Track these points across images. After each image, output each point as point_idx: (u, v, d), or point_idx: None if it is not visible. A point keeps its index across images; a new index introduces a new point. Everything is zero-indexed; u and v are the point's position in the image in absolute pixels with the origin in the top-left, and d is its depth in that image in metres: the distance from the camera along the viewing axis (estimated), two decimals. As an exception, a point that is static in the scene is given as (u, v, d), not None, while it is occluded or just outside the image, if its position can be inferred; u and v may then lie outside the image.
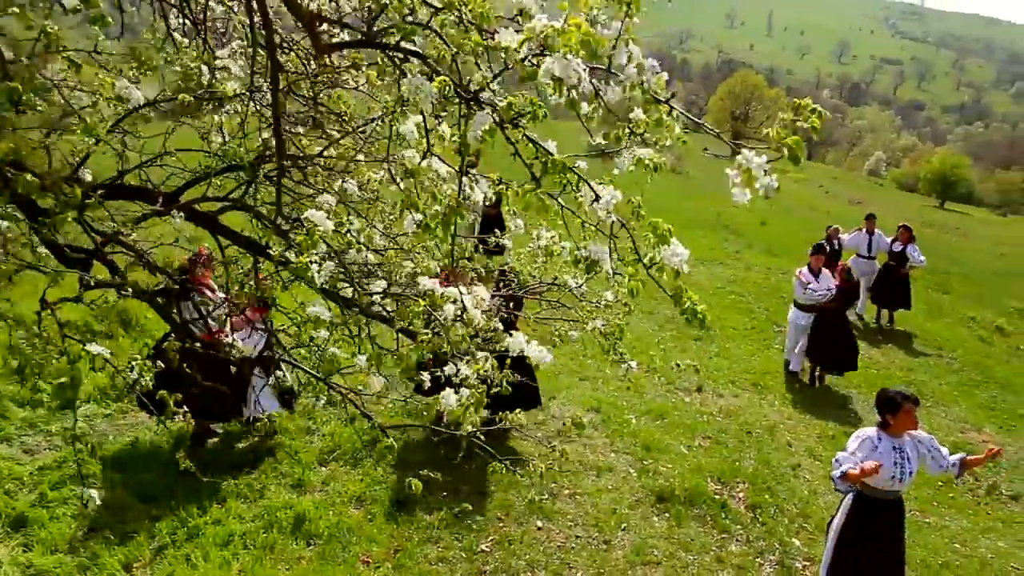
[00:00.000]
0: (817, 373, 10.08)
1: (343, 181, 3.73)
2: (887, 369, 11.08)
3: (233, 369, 3.83)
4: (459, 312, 2.81)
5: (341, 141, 3.52)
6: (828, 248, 12.77)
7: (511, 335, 2.84)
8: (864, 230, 13.49)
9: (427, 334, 2.70)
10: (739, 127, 73.25)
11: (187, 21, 3.53)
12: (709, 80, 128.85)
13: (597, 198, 2.11)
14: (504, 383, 3.65)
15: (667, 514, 6.36)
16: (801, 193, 46.69)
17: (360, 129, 3.46)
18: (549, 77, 1.85)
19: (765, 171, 1.73)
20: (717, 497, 6.65)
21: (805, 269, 9.88)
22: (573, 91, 1.88)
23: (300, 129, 3.61)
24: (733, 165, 1.80)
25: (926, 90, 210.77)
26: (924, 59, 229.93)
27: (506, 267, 4.70)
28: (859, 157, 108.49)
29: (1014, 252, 34.95)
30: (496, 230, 4.59)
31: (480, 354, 2.72)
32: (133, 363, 2.74)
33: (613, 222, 2.13)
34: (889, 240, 13.27)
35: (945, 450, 5.07)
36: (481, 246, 4.63)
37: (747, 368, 10.20)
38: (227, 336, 4.35)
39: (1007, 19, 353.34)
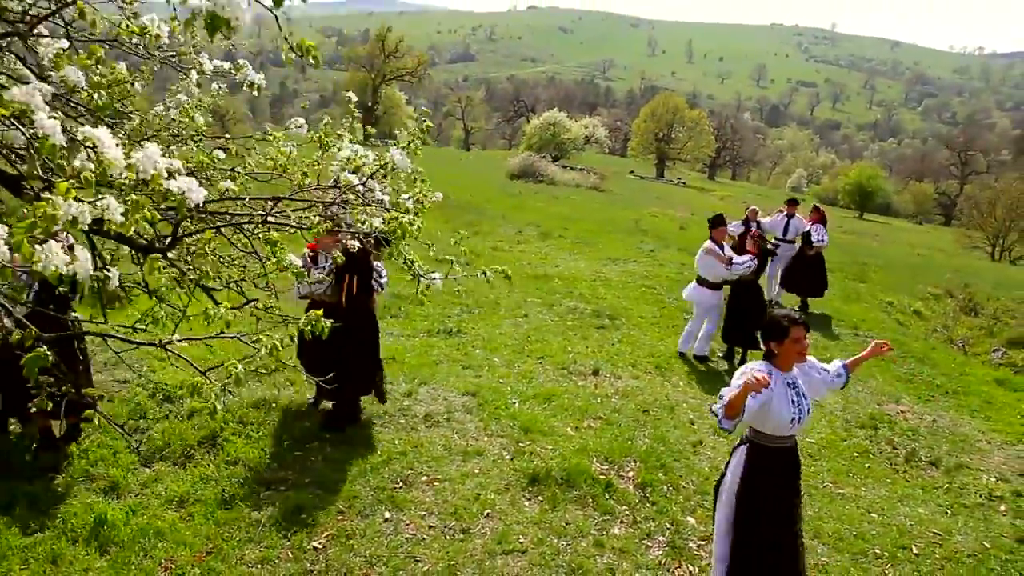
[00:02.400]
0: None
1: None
2: (801, 349, 10.46)
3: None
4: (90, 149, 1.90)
5: None
6: (747, 229, 12.21)
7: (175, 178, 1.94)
8: (784, 213, 12.98)
9: None
10: (663, 148, 74.00)
11: None
12: (633, 106, 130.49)
13: None
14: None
15: (540, 498, 5.44)
16: (725, 208, 46.96)
17: None
18: None
19: None
20: (601, 477, 5.77)
21: (715, 246, 9.19)
22: None
23: None
24: None
25: (841, 110, 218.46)
26: (837, 80, 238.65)
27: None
28: (781, 175, 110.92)
29: (930, 253, 35.58)
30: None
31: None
32: None
33: None
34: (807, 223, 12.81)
35: (824, 364, 4.29)
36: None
37: (651, 352, 9.41)
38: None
39: (910, 41, 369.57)
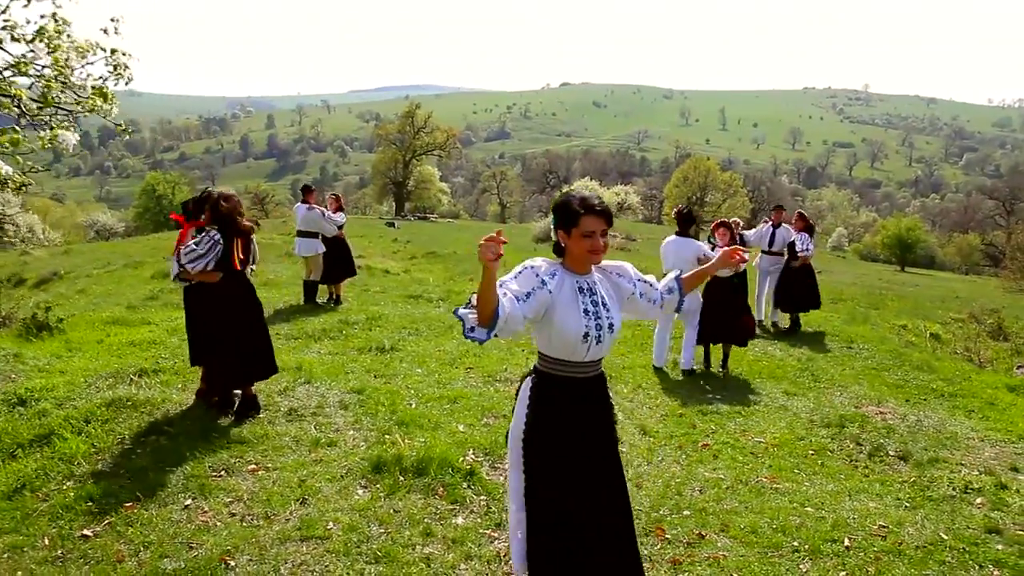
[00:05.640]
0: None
1: None
2: (783, 360, 9.37)
3: None
4: None
5: None
6: None
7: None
8: (770, 223, 11.92)
9: None
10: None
11: None
12: (668, 174, 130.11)
13: None
14: None
15: (378, 486, 4.53)
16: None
17: None
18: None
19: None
20: (465, 466, 4.83)
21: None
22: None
23: None
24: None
25: (880, 168, 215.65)
26: (874, 140, 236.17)
27: None
28: (822, 235, 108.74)
29: (970, 295, 33.66)
30: None
31: None
32: None
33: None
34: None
35: (652, 277, 3.37)
36: None
37: (605, 362, 8.43)
38: None
39: (946, 97, 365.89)
